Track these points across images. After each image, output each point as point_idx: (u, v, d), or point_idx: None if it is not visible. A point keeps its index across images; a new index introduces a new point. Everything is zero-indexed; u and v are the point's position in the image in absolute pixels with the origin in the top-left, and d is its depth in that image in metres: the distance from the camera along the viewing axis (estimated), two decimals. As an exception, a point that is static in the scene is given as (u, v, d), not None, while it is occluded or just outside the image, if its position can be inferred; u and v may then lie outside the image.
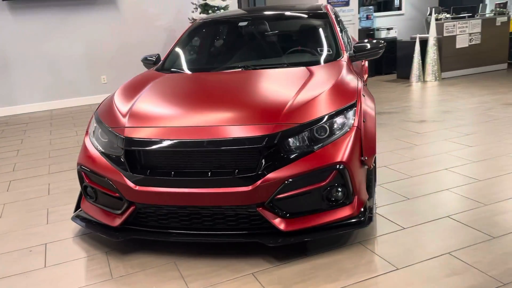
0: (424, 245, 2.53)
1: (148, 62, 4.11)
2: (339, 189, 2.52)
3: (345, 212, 2.56)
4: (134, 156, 2.63)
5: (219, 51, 4.10)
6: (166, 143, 2.54)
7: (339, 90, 2.83)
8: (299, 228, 2.49)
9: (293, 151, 2.48)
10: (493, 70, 8.94)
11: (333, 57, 3.51)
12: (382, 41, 3.77)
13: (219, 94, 3.01)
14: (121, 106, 2.96)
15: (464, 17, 8.64)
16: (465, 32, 8.48)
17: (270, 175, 2.41)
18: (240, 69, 3.46)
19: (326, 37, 3.80)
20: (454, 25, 8.35)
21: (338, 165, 2.48)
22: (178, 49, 4.07)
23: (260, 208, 2.46)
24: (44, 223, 3.24)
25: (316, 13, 4.04)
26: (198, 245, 2.70)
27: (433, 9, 8.39)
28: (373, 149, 2.73)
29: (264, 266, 2.43)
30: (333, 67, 3.24)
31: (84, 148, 2.91)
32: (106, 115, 2.95)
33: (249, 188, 2.41)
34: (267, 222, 2.50)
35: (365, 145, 2.64)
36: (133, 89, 3.25)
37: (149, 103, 2.97)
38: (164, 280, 2.39)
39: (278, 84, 3.05)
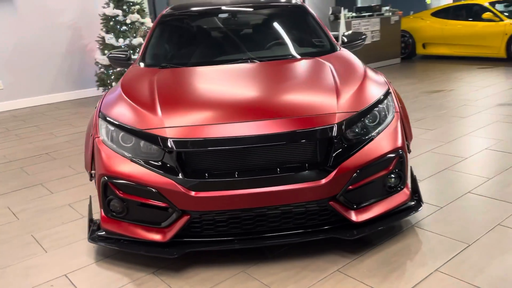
0: (472, 220, 2.68)
1: (118, 59, 3.65)
2: (398, 175, 2.54)
3: (401, 197, 2.58)
4: (181, 159, 2.32)
5: (210, 43, 3.82)
6: (226, 141, 2.28)
7: (372, 78, 2.85)
8: (368, 218, 2.44)
9: (355, 140, 2.42)
10: (388, 64, 9.85)
11: (332, 48, 3.52)
12: (363, 33, 3.91)
13: (252, 87, 2.80)
14: (143, 105, 2.59)
15: (364, 16, 9.36)
16: (368, 30, 9.20)
17: (343, 166, 2.33)
18: (248, 61, 3.25)
19: (315, 29, 3.79)
20: (359, 23, 9.01)
21: (399, 151, 2.50)
22: (155, 43, 3.70)
23: (332, 202, 2.36)
24: (41, 251, 2.69)
25: (296, 6, 4.00)
26: (254, 250, 2.48)
27: (342, 8, 8.92)
28: (411, 133, 2.81)
29: (344, 261, 2.34)
30: (343, 57, 3.25)
31: (104, 156, 2.47)
32: (125, 117, 2.54)
33: (323, 182, 2.29)
34: (337, 216, 2.41)
35: (407, 129, 2.71)
36: (140, 87, 2.86)
37: (175, 100, 2.64)
38: (248, 291, 2.16)
39: (307, 75, 2.96)
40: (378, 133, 2.48)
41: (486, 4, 9.56)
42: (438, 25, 9.84)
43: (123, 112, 2.59)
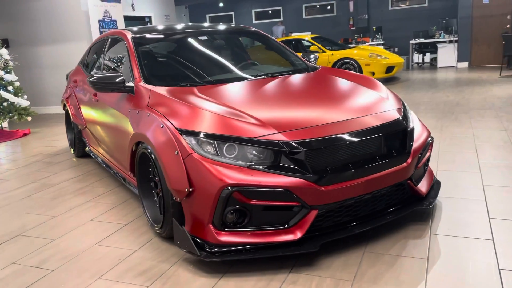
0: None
1: (109, 83, 3.37)
2: (428, 159, 3.21)
3: (431, 174, 3.27)
4: (299, 158, 2.51)
5: (209, 63, 3.85)
6: (338, 138, 2.57)
7: (380, 85, 3.50)
8: (427, 191, 3.04)
9: (410, 128, 2.99)
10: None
11: (313, 66, 4.05)
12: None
13: (312, 95, 3.10)
14: (236, 116, 2.65)
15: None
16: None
17: (414, 150, 2.88)
18: (264, 77, 3.51)
19: (285, 50, 4.26)
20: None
21: (431, 136, 3.18)
22: (150, 65, 3.61)
23: (409, 181, 2.88)
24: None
25: (254, 32, 4.41)
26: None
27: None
28: None
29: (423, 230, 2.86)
30: (337, 71, 3.83)
31: (217, 168, 2.45)
32: (221, 129, 2.56)
33: (406, 164, 2.80)
34: (408, 193, 2.93)
35: None
36: (204, 103, 2.86)
37: (261, 110, 2.77)
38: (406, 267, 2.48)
39: (334, 83, 3.40)
40: (413, 122, 3.10)
41: (310, 39, 11.45)
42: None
43: (211, 125, 2.59)
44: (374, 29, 14.96)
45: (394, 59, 10.69)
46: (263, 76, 3.51)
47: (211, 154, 2.51)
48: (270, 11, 18.48)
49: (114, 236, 3.07)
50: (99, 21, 8.76)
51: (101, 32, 8.76)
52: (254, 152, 2.50)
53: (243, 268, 2.51)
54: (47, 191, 4.20)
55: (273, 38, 4.38)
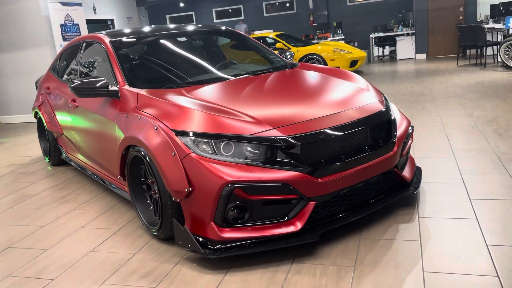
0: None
1: (100, 90, 3.34)
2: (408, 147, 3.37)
3: (412, 160, 3.43)
4: (295, 153, 2.59)
5: (189, 64, 3.87)
6: (330, 131, 2.67)
7: (360, 78, 3.63)
8: (412, 177, 3.20)
9: (393, 118, 3.13)
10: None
11: (291, 63, 4.15)
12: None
13: (297, 90, 3.18)
14: (230, 115, 2.70)
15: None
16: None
17: (399, 139, 3.02)
18: (247, 75, 3.57)
19: (262, 48, 4.34)
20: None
21: (411, 125, 3.35)
22: (131, 68, 3.60)
23: (396, 168, 3.02)
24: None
25: (231, 32, 4.47)
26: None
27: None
28: None
29: (430, 215, 3.01)
30: (318, 67, 3.93)
31: (216, 167, 2.50)
32: (218, 128, 2.62)
33: (393, 152, 2.94)
34: (394, 180, 3.07)
35: None
36: (195, 103, 2.89)
37: (253, 107, 2.83)
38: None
39: (317, 78, 3.50)
40: (394, 113, 3.25)
41: (274, 37, 11.59)
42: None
43: (207, 125, 2.64)
44: (335, 25, 15.28)
45: (357, 53, 10.98)
46: (246, 75, 3.57)
47: (208, 153, 2.56)
48: (230, 10, 18.51)
49: (109, 241, 3.06)
50: (61, 25, 8.56)
51: (64, 37, 8.56)
52: (250, 149, 2.56)
53: (246, 262, 2.57)
54: (28, 201, 4.10)
55: (250, 37, 4.45)
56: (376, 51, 14.74)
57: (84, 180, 4.54)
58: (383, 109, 3.01)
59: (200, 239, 2.57)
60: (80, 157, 4.39)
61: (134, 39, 3.92)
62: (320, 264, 2.47)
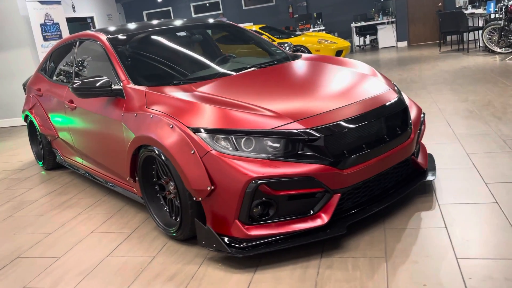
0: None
1: (103, 90, 3.23)
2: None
3: (424, 146, 3.43)
4: (318, 145, 2.54)
5: (191, 58, 3.77)
6: (351, 122, 2.62)
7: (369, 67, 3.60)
8: (427, 164, 3.19)
9: (408, 105, 3.10)
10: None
11: (293, 54, 4.09)
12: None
13: (311, 83, 3.11)
14: (248, 110, 2.63)
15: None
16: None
17: (414, 126, 3.00)
18: (253, 68, 3.49)
19: (261, 40, 4.26)
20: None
21: (423, 113, 3.33)
22: (132, 65, 3.48)
23: (412, 156, 3.01)
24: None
25: (229, 25, 4.38)
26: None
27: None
28: None
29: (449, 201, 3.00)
30: (324, 58, 3.87)
31: (240, 163, 2.43)
32: (237, 124, 2.54)
33: (410, 140, 2.92)
34: (411, 168, 3.05)
35: None
36: (209, 99, 2.81)
37: (269, 100, 2.76)
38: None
39: (326, 69, 3.44)
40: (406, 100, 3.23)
41: (258, 29, 11.51)
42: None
43: (225, 121, 2.56)
44: (315, 16, 15.27)
45: (341, 43, 10.99)
46: (253, 68, 3.49)
47: (229, 150, 2.49)
48: (207, 4, 18.30)
49: (124, 245, 2.97)
50: (41, 25, 8.29)
51: (44, 37, 8.30)
52: (271, 143, 2.50)
53: (273, 259, 2.52)
54: (28, 209, 3.95)
55: (248, 29, 4.36)
56: (357, 40, 14.79)
57: (84, 184, 4.40)
58: (398, 97, 2.98)
59: (226, 238, 2.50)
60: (79, 160, 4.25)
61: (132, 36, 3.80)
62: (350, 257, 2.43)
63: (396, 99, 2.94)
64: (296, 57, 3.90)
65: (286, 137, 2.48)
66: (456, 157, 3.67)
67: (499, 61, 8.22)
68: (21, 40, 8.20)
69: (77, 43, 4.17)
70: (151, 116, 2.83)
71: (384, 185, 2.84)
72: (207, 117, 2.62)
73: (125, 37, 3.74)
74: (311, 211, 2.54)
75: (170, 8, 18.79)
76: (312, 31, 14.07)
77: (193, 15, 18.35)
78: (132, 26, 4.05)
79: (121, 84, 3.27)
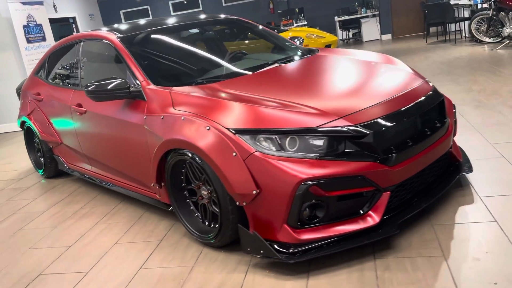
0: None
1: (121, 92, 3.05)
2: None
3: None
4: (366, 142, 2.42)
5: (210, 56, 3.62)
6: (396, 116, 2.52)
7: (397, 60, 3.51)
8: (460, 156, 3.12)
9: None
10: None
11: (308, 49, 3.98)
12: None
13: (345, 77, 3.00)
14: (289, 108, 2.50)
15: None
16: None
17: (450, 117, 2.94)
18: (276, 64, 3.37)
19: (275, 36, 4.14)
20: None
21: (454, 105, 3.27)
22: (149, 65, 3.31)
23: (450, 149, 2.94)
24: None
25: (238, 20, 4.24)
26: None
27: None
28: None
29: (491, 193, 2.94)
30: (346, 51, 3.76)
31: (287, 165, 2.31)
32: (280, 123, 2.41)
33: (449, 133, 2.85)
34: (448, 160, 2.99)
35: None
36: (245, 98, 2.67)
37: (308, 96, 2.64)
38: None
39: (353, 63, 3.34)
40: None
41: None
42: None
43: (267, 121, 2.43)
44: (297, 11, 15.19)
45: (329, 37, 10.93)
46: (276, 64, 3.36)
47: (273, 151, 2.36)
48: (185, 2, 18.01)
49: (156, 255, 2.80)
50: (24, 27, 7.94)
51: (28, 39, 7.95)
52: (317, 142, 2.38)
53: (323, 263, 2.41)
54: (38, 220, 3.73)
55: (259, 25, 4.23)
56: (341, 34, 14.78)
57: (92, 191, 4.19)
58: (434, 89, 2.90)
59: (275, 244, 2.37)
60: (87, 166, 4.04)
61: (142, 35, 3.61)
62: (405, 257, 2.34)
63: (433, 91, 2.86)
64: (312, 52, 3.78)
65: (334, 135, 2.36)
66: (480, 147, 3.63)
67: (490, 51, 8.30)
68: (3, 42, 7.83)
69: (81, 44, 3.95)
70: (182, 117, 2.67)
71: (426, 180, 2.75)
72: (247, 117, 2.48)
73: (136, 36, 3.56)
74: (361, 211, 2.43)
75: (148, 6, 18.40)
76: (296, 26, 13.98)
77: (172, 13, 18.03)
78: (138, 24, 3.87)
79: (140, 85, 3.09)
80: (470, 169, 3.01)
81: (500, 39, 8.88)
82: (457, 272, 2.15)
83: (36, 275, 2.83)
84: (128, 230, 3.23)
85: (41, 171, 4.88)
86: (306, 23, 14.73)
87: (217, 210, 2.63)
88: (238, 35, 4.35)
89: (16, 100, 7.75)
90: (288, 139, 2.37)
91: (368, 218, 2.41)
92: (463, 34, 10.74)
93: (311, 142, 2.38)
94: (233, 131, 2.43)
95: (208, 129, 2.50)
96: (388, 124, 2.45)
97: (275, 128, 2.39)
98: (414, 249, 2.39)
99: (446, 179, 2.86)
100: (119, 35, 3.51)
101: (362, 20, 13.74)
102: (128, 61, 3.26)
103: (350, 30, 14.67)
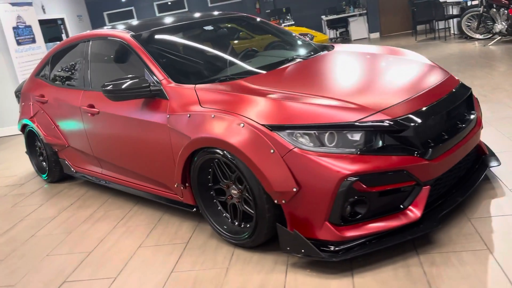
0: None
1: (141, 91, 2.97)
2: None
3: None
4: (406, 135, 2.38)
5: (227, 54, 3.55)
6: (433, 109, 2.50)
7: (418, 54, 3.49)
8: (486, 149, 3.12)
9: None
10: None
11: (322, 45, 3.94)
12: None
13: (373, 72, 2.97)
14: (324, 104, 2.45)
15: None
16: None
17: (477, 110, 2.93)
18: (299, 60, 3.32)
19: (289, 33, 4.09)
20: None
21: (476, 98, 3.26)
22: (168, 63, 3.23)
23: (480, 141, 2.93)
24: None
25: (248, 17, 4.19)
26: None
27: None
28: None
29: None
30: (364, 47, 3.73)
31: (327, 160, 2.25)
32: (318, 118, 2.36)
33: (478, 126, 2.84)
34: (477, 153, 2.98)
35: None
36: (278, 94, 2.61)
37: (339, 91, 2.60)
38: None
39: (378, 58, 3.31)
40: None
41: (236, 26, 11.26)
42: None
43: (305, 116, 2.38)
44: (284, 11, 15.18)
45: (320, 36, 10.92)
46: (298, 60, 3.31)
47: (313, 147, 2.30)
48: (169, 3, 17.84)
49: (186, 258, 2.72)
50: (13, 28, 7.72)
51: (18, 42, 7.73)
52: (355, 137, 2.33)
53: (365, 261, 2.36)
54: (50, 226, 3.60)
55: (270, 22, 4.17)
56: (328, 33, 14.82)
57: (103, 195, 4.07)
58: (461, 83, 2.89)
59: (317, 243, 2.31)
60: (97, 169, 3.92)
61: (156, 32, 3.52)
62: (450, 252, 2.31)
63: (461, 83, 2.85)
64: (327, 48, 3.74)
65: (375, 129, 2.32)
66: (497, 141, 3.64)
67: (482, 47, 8.41)
68: (-8, 45, 7.60)
69: (89, 43, 3.83)
70: (212, 115, 2.59)
71: (459, 174, 2.74)
72: (282, 113, 2.42)
73: (150, 34, 3.46)
74: (402, 206, 2.39)
75: (132, 8, 18.16)
76: (284, 26, 13.96)
77: (157, 14, 17.83)
78: (149, 22, 3.78)
79: (160, 83, 3.00)
80: (497, 162, 3.00)
81: (491, 35, 9.01)
82: (507, 266, 2.12)
83: (60, 284, 2.71)
84: (150, 233, 3.13)
85: (44, 175, 4.72)
86: (293, 22, 14.74)
87: (250, 210, 2.57)
88: (253, 32, 4.28)
89: (7, 104, 7.55)
90: (327, 134, 2.32)
91: (409, 213, 2.37)
92: (452, 32, 10.88)
93: (350, 137, 2.33)
94: (270, 128, 2.36)
95: (243, 126, 2.43)
96: (425, 117, 2.42)
97: (313, 124, 2.33)
98: (456, 243, 2.37)
99: (476, 172, 2.85)
100: (133, 33, 3.41)
101: (350, 19, 13.80)
102: (146, 60, 3.16)
103: (338, 29, 14.72)
